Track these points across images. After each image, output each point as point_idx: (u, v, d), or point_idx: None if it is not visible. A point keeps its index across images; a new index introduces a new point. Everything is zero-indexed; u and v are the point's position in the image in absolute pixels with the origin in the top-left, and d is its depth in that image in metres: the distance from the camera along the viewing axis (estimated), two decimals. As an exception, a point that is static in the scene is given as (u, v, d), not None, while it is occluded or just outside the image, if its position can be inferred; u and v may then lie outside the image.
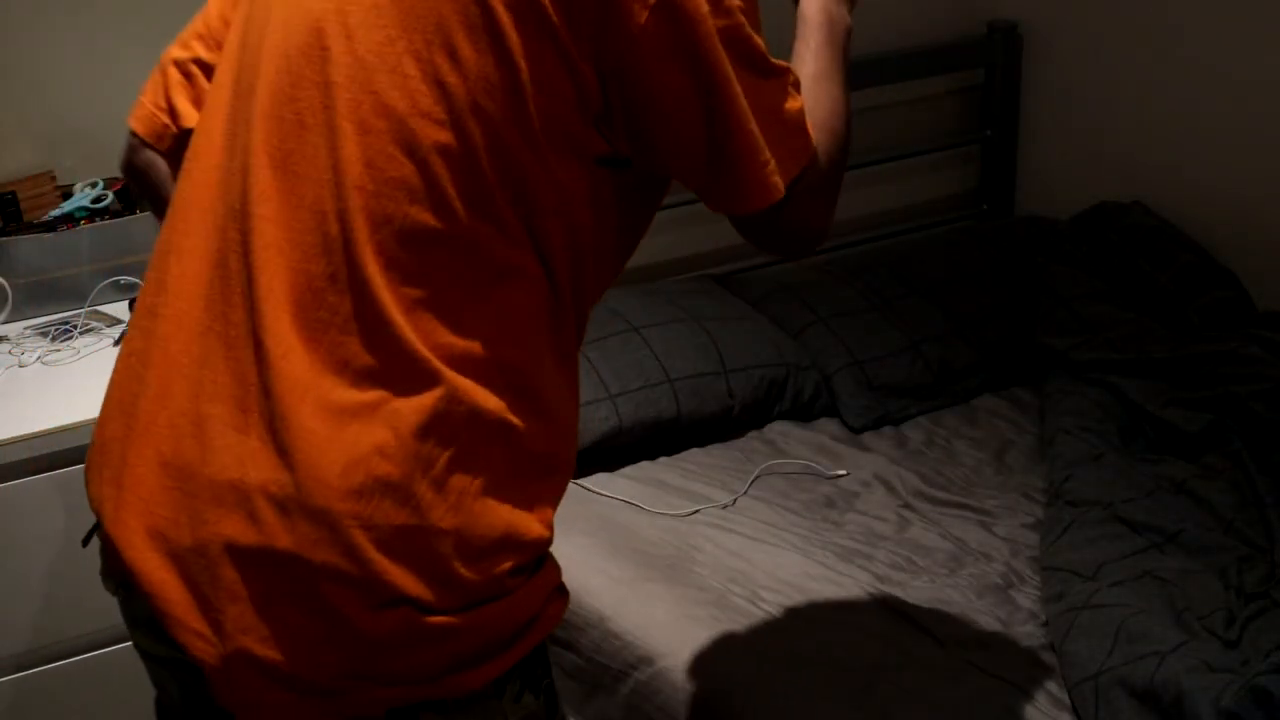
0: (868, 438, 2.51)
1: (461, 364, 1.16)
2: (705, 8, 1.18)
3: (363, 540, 1.13)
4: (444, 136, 1.14)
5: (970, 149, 3.21)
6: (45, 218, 2.17)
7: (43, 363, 1.98)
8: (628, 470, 2.37)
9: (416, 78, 1.14)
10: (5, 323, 2.09)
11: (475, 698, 1.21)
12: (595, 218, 1.23)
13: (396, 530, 1.14)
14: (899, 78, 3.03)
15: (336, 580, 1.14)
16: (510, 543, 1.19)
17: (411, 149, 1.14)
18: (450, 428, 1.15)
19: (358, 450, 1.13)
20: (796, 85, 1.28)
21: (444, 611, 1.16)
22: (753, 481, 2.35)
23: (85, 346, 2.02)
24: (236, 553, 1.15)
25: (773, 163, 1.22)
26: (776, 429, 2.51)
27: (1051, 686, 1.87)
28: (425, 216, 1.15)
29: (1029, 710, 1.81)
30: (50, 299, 2.11)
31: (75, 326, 2.06)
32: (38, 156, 2.25)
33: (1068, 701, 1.84)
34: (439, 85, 1.14)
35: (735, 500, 2.30)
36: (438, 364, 1.15)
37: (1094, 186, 3.00)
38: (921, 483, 2.36)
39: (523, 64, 1.13)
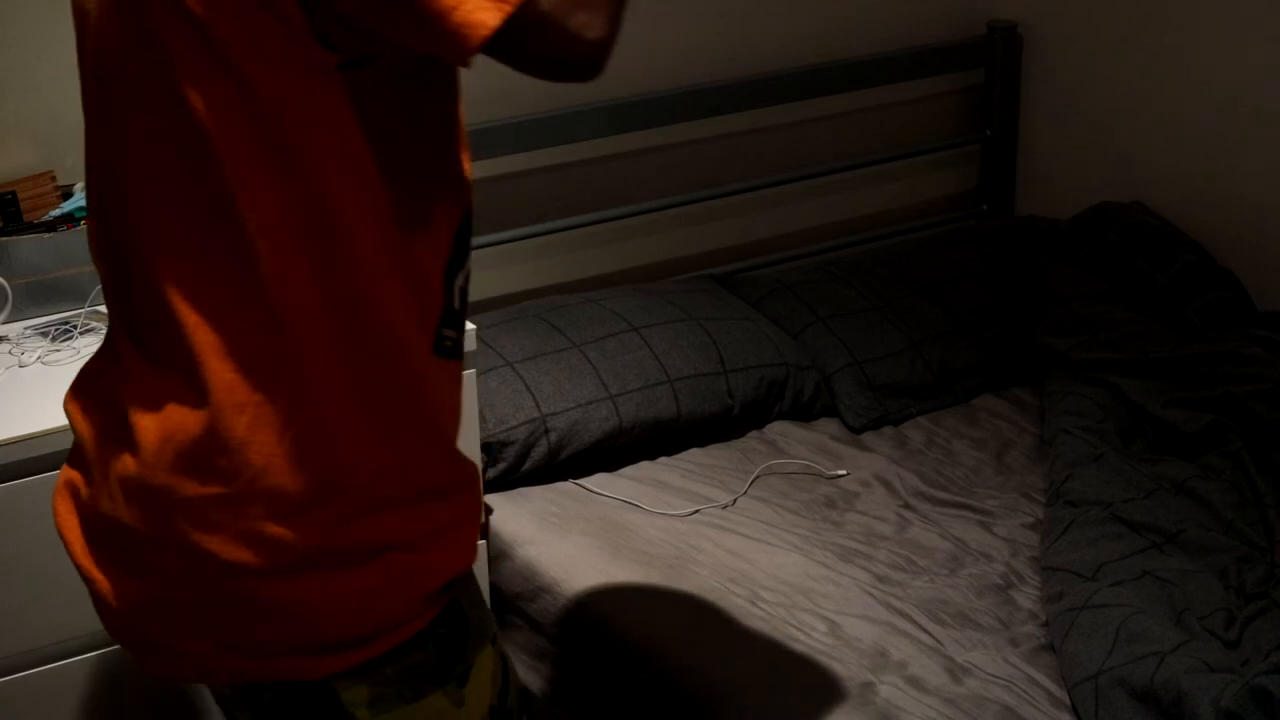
0: (868, 438, 2.51)
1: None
2: None
3: (180, 513, 1.15)
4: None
5: (970, 149, 3.21)
6: (45, 218, 2.17)
7: (43, 363, 1.98)
8: (628, 470, 2.37)
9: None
10: (5, 323, 2.09)
11: (313, 691, 1.19)
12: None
13: (207, 500, 1.14)
14: (899, 78, 3.03)
15: (170, 551, 1.16)
16: (332, 490, 1.15)
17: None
18: (247, 389, 1.13)
19: (168, 424, 1.15)
20: None
21: (271, 574, 1.15)
22: (753, 481, 2.35)
23: (85, 346, 2.02)
24: (107, 523, 1.21)
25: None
26: (776, 429, 2.51)
27: (1051, 686, 1.87)
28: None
29: (1029, 710, 1.82)
30: (50, 299, 2.11)
31: (75, 326, 2.06)
32: (38, 156, 2.25)
33: (1068, 701, 1.84)
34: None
35: (735, 500, 2.30)
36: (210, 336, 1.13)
37: (1094, 187, 3.00)
38: (921, 483, 2.36)
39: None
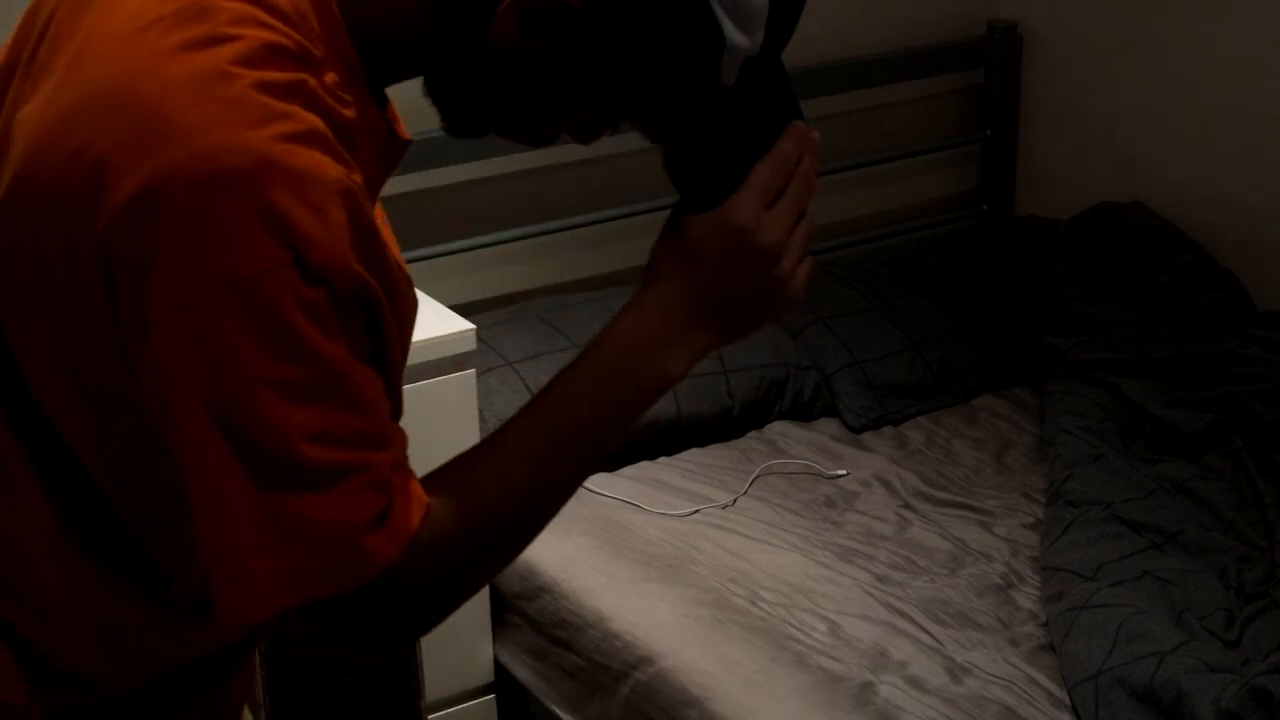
0: (868, 438, 2.51)
1: None
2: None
3: None
4: None
5: (970, 149, 3.21)
6: (45, 218, 2.17)
7: (43, 363, 1.98)
8: (628, 470, 2.37)
9: None
10: (5, 323, 2.09)
11: None
12: None
13: None
14: (899, 78, 3.03)
15: None
16: None
17: None
18: None
19: None
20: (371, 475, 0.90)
21: None
22: (753, 481, 2.35)
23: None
24: None
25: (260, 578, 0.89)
26: (776, 429, 2.51)
27: (1051, 686, 1.87)
28: None
29: (1029, 710, 1.82)
30: (50, 299, 2.11)
31: (75, 326, 2.06)
32: (38, 156, 2.25)
33: (1068, 701, 1.84)
34: None
35: (735, 500, 2.30)
36: None
37: (1094, 187, 3.00)
38: (921, 483, 2.36)
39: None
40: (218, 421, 0.86)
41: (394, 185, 2.85)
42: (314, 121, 0.88)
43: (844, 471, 2.39)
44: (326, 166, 0.88)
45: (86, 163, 0.86)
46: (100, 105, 0.87)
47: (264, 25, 0.89)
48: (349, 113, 0.95)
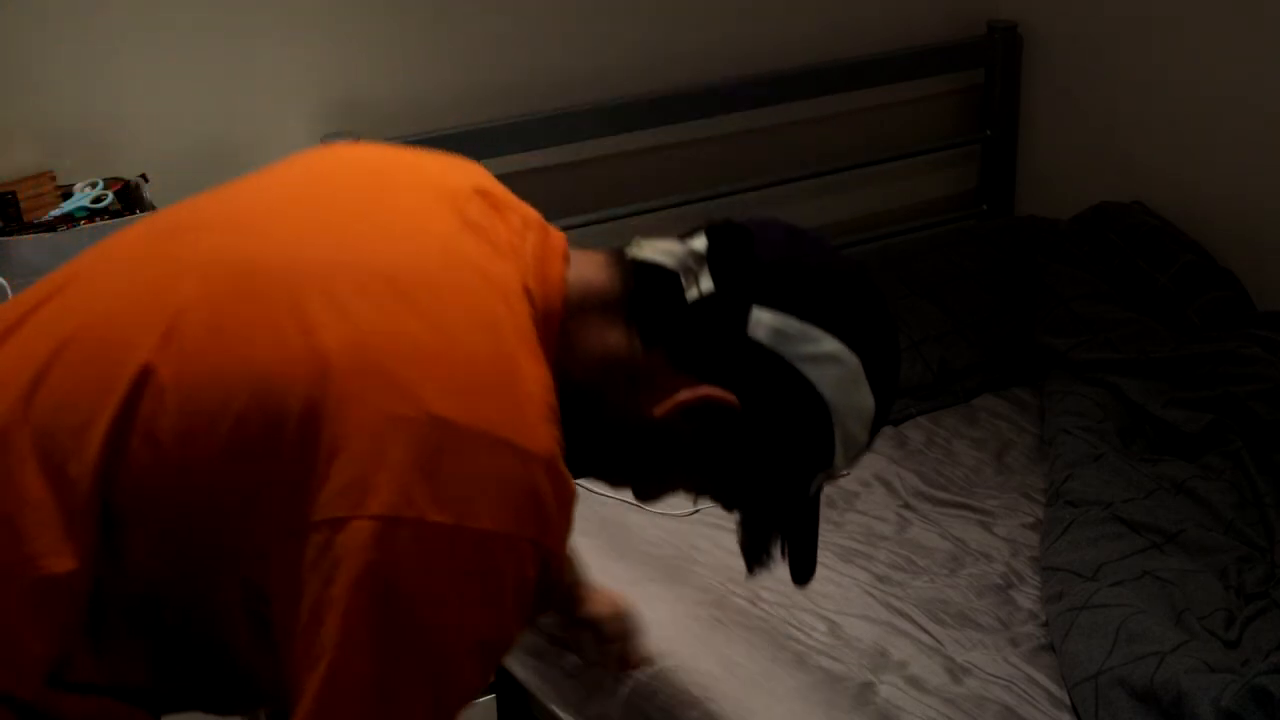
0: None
1: None
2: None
3: None
4: None
5: (970, 149, 3.21)
6: (45, 218, 2.17)
7: (43, 363, 1.98)
8: (628, 470, 2.36)
9: None
10: (5, 323, 2.09)
11: None
12: None
13: None
14: (899, 78, 3.03)
15: None
16: None
17: None
18: None
19: None
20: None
21: None
22: (753, 481, 2.35)
23: (85, 346, 2.02)
24: None
25: None
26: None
27: (1051, 686, 1.87)
28: None
29: (1029, 710, 1.81)
30: (50, 299, 2.11)
31: (75, 326, 2.06)
32: (38, 156, 2.25)
33: (1068, 701, 1.84)
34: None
35: (735, 500, 2.29)
36: None
37: (1094, 187, 3.00)
38: (921, 483, 2.36)
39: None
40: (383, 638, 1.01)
41: (394, 185, 2.82)
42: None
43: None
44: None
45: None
46: None
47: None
48: None
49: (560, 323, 1.15)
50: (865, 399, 1.16)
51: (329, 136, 2.40)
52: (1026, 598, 2.07)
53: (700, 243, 1.19)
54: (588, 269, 1.20)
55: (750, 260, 1.16)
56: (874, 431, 1.21)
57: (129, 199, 2.23)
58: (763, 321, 1.13)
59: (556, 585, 1.13)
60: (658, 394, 1.14)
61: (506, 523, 1.04)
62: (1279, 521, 2.15)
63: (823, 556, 2.14)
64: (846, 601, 2.03)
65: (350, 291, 1.07)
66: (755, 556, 1.28)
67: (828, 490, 2.33)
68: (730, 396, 1.13)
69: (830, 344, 1.14)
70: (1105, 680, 1.81)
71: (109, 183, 2.24)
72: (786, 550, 1.28)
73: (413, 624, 1.02)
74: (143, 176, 2.24)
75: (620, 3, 2.71)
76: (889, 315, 1.20)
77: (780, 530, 1.27)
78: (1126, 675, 1.80)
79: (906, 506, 2.30)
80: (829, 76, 2.92)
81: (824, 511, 2.28)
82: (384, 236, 1.13)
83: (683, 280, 1.16)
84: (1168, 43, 2.85)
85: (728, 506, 1.27)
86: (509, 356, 1.07)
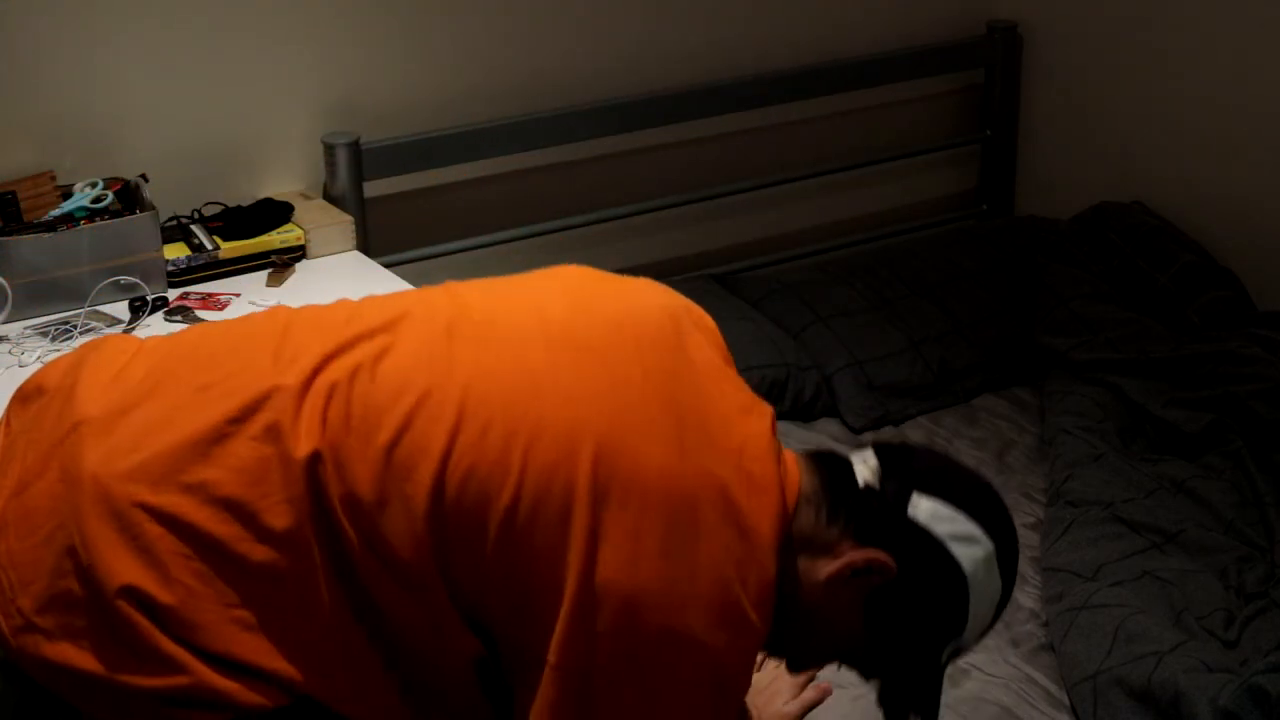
0: (868, 438, 2.50)
1: None
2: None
3: None
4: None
5: (970, 149, 3.21)
6: (45, 218, 2.17)
7: (42, 362, 1.98)
8: (628, 470, 2.36)
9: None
10: (5, 323, 2.09)
11: None
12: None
13: None
14: (899, 78, 3.03)
15: None
16: None
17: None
18: None
19: None
20: None
21: None
22: (752, 481, 2.35)
23: (85, 346, 2.02)
24: None
25: None
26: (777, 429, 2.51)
27: (1051, 686, 1.87)
28: None
29: (1027, 710, 1.81)
30: (50, 299, 2.11)
31: (75, 326, 2.06)
32: (38, 156, 2.25)
33: (1066, 701, 1.84)
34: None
35: (735, 500, 2.29)
36: None
37: (1094, 187, 3.00)
38: (921, 483, 2.36)
39: None
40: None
41: (395, 185, 2.86)
42: None
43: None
44: None
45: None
46: None
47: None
48: None
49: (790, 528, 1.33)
50: (995, 581, 1.34)
51: (329, 136, 2.40)
52: (1027, 597, 2.06)
53: (868, 451, 1.38)
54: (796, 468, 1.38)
55: (910, 456, 1.39)
56: (998, 613, 1.37)
57: (129, 199, 2.23)
58: (921, 505, 1.32)
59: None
60: (832, 560, 1.31)
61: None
62: (1279, 521, 2.15)
63: (822, 556, 2.14)
64: (846, 601, 2.03)
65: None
66: (890, 714, 1.43)
67: (827, 490, 2.34)
68: (890, 560, 1.30)
69: (974, 529, 1.32)
70: (1104, 680, 1.81)
71: (109, 183, 2.25)
72: (914, 708, 1.44)
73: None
74: (143, 176, 2.24)
75: (620, 3, 2.71)
76: (1011, 518, 1.38)
77: (913, 693, 1.42)
78: (1125, 675, 1.80)
79: (906, 506, 2.29)
80: (829, 76, 2.92)
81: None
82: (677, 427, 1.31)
83: (856, 469, 1.35)
84: (1168, 43, 2.85)
85: (867, 676, 1.43)
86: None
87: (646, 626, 1.21)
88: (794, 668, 1.47)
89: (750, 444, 1.32)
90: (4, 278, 2.08)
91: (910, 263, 2.82)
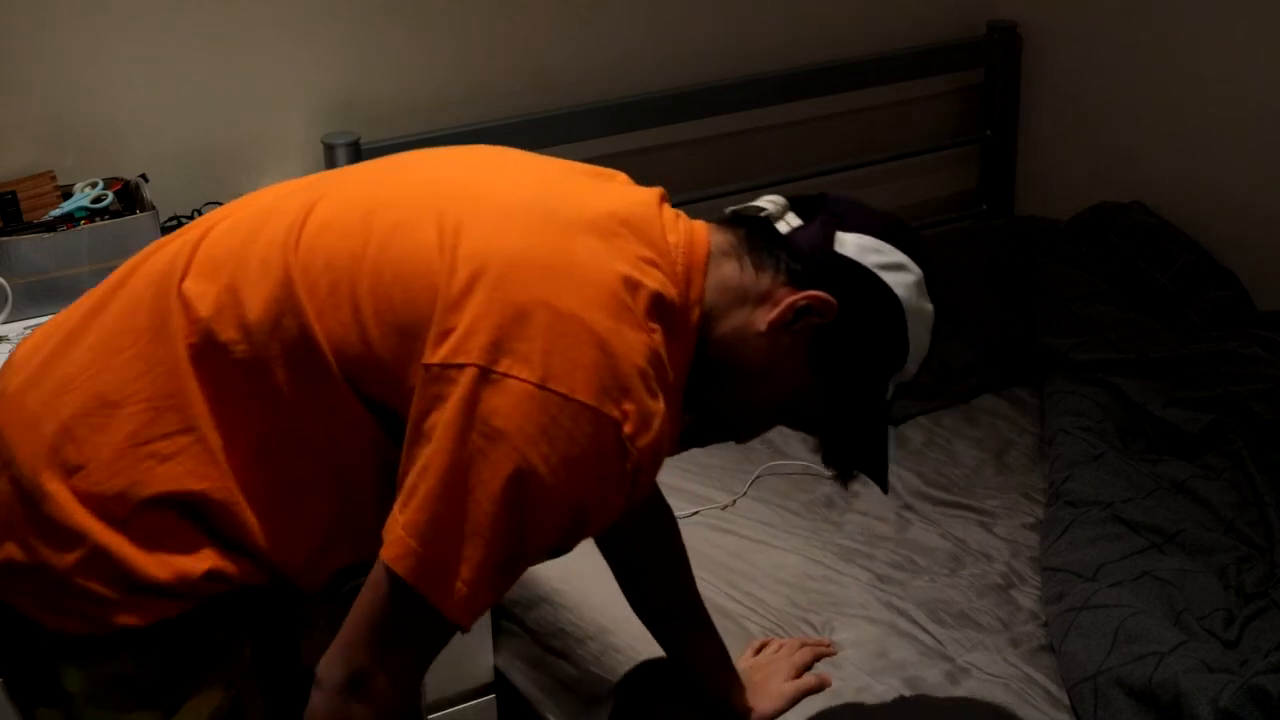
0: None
1: None
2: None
3: None
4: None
5: (970, 149, 3.21)
6: (45, 218, 2.17)
7: (43, 363, 1.98)
8: (628, 470, 2.36)
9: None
10: (5, 323, 2.09)
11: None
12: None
13: None
14: (899, 78, 3.03)
15: None
16: None
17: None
18: None
19: None
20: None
21: None
22: (752, 482, 2.35)
23: (85, 347, 2.02)
24: None
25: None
26: (776, 429, 2.50)
27: (1051, 686, 1.87)
28: None
29: (1027, 710, 1.81)
30: (50, 299, 2.11)
31: (75, 327, 2.06)
32: (38, 156, 2.25)
33: (1066, 701, 1.84)
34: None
35: (735, 501, 2.30)
36: None
37: (1093, 187, 3.00)
38: (921, 483, 2.36)
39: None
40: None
41: (394, 185, 2.79)
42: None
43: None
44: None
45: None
46: None
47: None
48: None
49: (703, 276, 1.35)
50: (927, 304, 1.42)
51: (329, 136, 2.40)
52: (1027, 598, 2.07)
53: (779, 198, 1.41)
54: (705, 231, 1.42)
55: (821, 199, 1.41)
56: (934, 337, 1.43)
57: (129, 199, 2.23)
58: (847, 241, 1.36)
59: (643, 486, 1.26)
60: (772, 308, 1.33)
61: (590, 398, 1.19)
62: (1279, 521, 2.15)
63: (823, 556, 2.14)
64: (846, 602, 2.03)
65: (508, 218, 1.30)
66: (842, 468, 1.45)
67: (828, 490, 2.34)
68: (830, 298, 1.32)
69: (899, 256, 1.39)
70: (1104, 680, 1.81)
71: (109, 183, 2.25)
72: (863, 460, 1.45)
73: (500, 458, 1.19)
74: (143, 176, 2.24)
75: (620, 3, 2.71)
76: (925, 244, 1.45)
77: (860, 437, 1.42)
78: (1125, 675, 1.80)
79: (907, 507, 2.30)
80: (829, 76, 2.92)
81: (824, 512, 2.29)
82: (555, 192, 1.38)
83: (773, 221, 1.38)
84: (1168, 43, 2.85)
85: (811, 430, 1.45)
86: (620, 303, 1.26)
87: (524, 294, 1.21)
88: (742, 435, 1.48)
89: (637, 207, 1.39)
90: (4, 278, 2.08)
91: (910, 263, 2.82)
